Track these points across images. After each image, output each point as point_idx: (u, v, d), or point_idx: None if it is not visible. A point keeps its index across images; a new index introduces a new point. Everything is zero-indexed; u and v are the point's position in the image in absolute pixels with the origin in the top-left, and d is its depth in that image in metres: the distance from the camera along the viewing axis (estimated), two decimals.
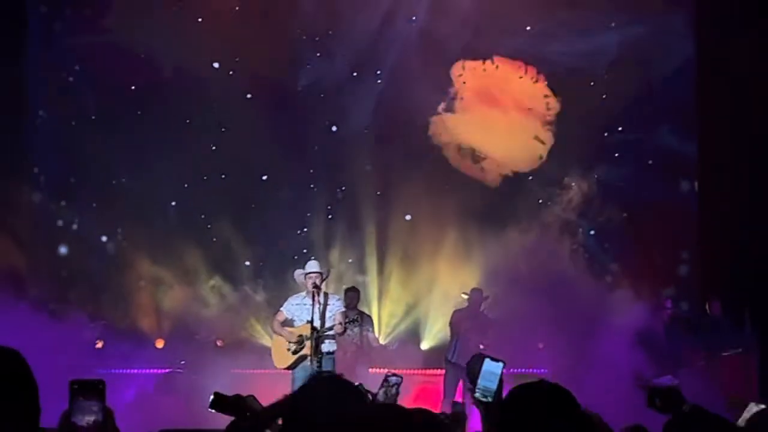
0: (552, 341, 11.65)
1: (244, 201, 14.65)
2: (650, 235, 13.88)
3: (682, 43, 14.15)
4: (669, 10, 14.16)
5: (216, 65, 14.65)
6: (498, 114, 14.71)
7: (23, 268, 13.85)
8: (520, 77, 14.63)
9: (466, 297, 12.49)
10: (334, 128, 14.79)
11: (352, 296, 12.21)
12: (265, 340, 12.74)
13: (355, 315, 11.48)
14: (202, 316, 13.59)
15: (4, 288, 11.27)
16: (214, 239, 14.41)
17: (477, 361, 3.30)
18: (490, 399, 3.27)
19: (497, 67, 14.66)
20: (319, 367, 9.78)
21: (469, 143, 14.65)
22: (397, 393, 5.24)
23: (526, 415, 2.82)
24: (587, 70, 14.29)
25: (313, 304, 9.95)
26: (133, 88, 14.61)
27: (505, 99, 14.70)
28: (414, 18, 14.59)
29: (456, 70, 14.63)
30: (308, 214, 14.58)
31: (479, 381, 3.26)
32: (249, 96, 14.66)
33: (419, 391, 12.22)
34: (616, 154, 14.45)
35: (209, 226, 14.47)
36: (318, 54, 14.71)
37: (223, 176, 14.62)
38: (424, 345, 14.05)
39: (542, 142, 14.52)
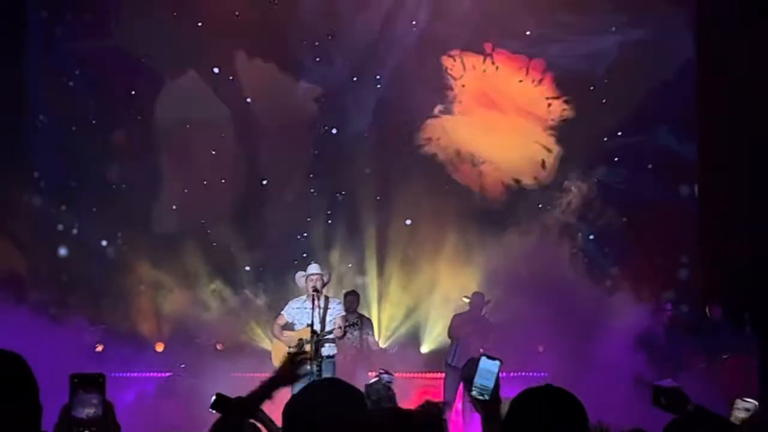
0: (552, 344, 11.65)
1: (244, 205, 14.66)
2: (650, 238, 13.88)
3: (682, 45, 14.15)
4: (669, 11, 14.17)
5: (216, 70, 14.67)
6: (498, 117, 14.72)
7: (23, 272, 13.88)
8: (520, 81, 14.64)
9: (467, 301, 12.49)
10: (334, 131, 14.81)
11: (352, 300, 12.20)
12: (266, 344, 12.74)
13: (355, 318, 11.48)
14: (202, 320, 13.60)
15: (5, 292, 11.28)
16: (214, 243, 14.42)
17: (472, 365, 3.31)
18: (487, 397, 3.28)
19: (497, 68, 14.66)
20: (319, 370, 9.78)
21: (468, 147, 14.66)
22: (391, 390, 5.23)
23: (531, 419, 2.84)
24: (587, 72, 14.31)
25: (313, 308, 9.96)
26: (133, 93, 14.64)
27: (506, 102, 14.71)
28: (414, 22, 14.61)
29: (456, 71, 14.63)
30: (308, 219, 14.60)
31: (476, 379, 3.27)
32: (249, 100, 14.69)
33: (419, 394, 12.20)
34: (616, 159, 14.45)
35: (209, 231, 14.48)
36: (318, 59, 14.73)
37: (223, 180, 14.64)
38: (424, 348, 14.06)
39: (548, 150, 14.51)
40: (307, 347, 9.93)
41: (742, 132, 13.10)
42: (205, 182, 14.57)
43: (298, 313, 10.25)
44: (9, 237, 13.32)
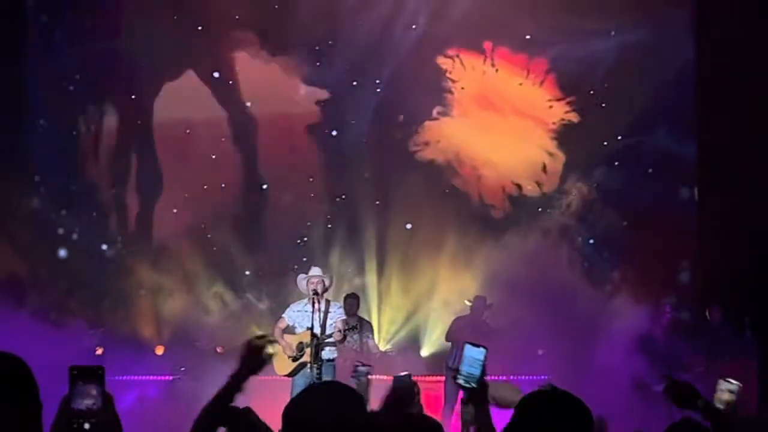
0: (552, 347, 11.65)
1: (244, 210, 14.66)
2: (650, 241, 13.86)
3: (682, 45, 14.13)
4: (669, 11, 14.16)
5: (216, 74, 14.69)
6: (498, 120, 14.71)
7: (24, 276, 13.85)
8: (520, 83, 14.64)
9: (469, 304, 12.50)
10: (333, 134, 14.81)
11: (352, 303, 12.19)
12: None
13: (355, 322, 11.48)
14: (202, 323, 13.60)
15: (5, 296, 11.29)
16: (215, 248, 14.42)
17: (456, 352, 3.30)
18: (474, 385, 3.25)
19: (497, 70, 14.67)
20: (319, 374, 9.78)
21: (468, 149, 14.65)
22: (368, 383, 5.23)
23: (536, 421, 2.85)
24: (586, 75, 14.30)
25: (313, 311, 9.96)
26: (133, 97, 14.65)
27: (505, 104, 14.71)
28: (414, 26, 14.62)
29: (456, 73, 14.64)
30: (308, 223, 14.59)
31: (462, 367, 3.23)
32: (248, 104, 14.70)
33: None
34: (616, 162, 14.44)
35: (209, 235, 14.48)
36: (317, 63, 14.74)
37: (223, 185, 14.64)
38: (424, 352, 14.05)
39: (549, 153, 14.50)
40: (308, 352, 9.94)
41: (742, 133, 13.09)
42: (205, 186, 14.57)
43: (299, 316, 10.25)
44: (9, 241, 13.31)
